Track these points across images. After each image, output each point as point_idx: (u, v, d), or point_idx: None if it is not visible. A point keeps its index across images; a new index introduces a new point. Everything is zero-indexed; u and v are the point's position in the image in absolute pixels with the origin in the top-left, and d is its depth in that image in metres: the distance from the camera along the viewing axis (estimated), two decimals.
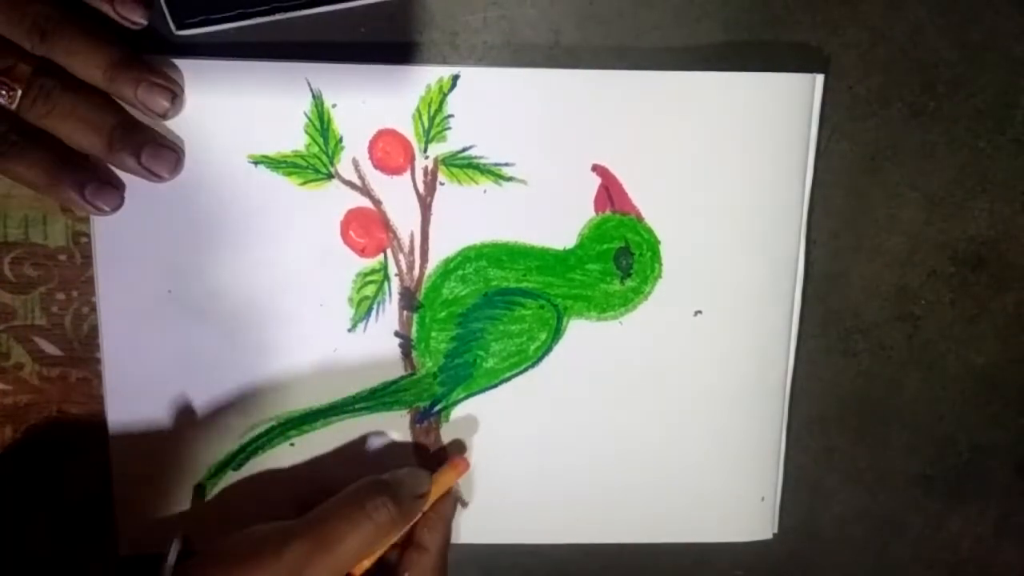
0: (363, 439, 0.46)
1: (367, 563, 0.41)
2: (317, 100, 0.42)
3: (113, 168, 0.41)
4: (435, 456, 0.46)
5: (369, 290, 0.44)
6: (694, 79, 0.43)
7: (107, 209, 0.40)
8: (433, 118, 0.43)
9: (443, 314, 0.45)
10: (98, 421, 0.44)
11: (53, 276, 0.44)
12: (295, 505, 0.42)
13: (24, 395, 0.44)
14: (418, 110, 0.43)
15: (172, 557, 0.39)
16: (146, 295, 0.43)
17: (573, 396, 0.46)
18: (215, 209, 0.43)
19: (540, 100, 0.43)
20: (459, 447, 0.46)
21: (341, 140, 0.43)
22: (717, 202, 0.45)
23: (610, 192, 0.44)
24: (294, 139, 0.42)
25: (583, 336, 0.45)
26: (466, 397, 0.46)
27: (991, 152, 0.47)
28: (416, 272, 0.44)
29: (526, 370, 0.46)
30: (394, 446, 0.46)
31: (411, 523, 0.42)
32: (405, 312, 0.45)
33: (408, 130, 0.43)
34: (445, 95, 0.43)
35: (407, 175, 0.43)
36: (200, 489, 0.45)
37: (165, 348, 0.44)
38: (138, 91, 0.38)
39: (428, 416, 0.46)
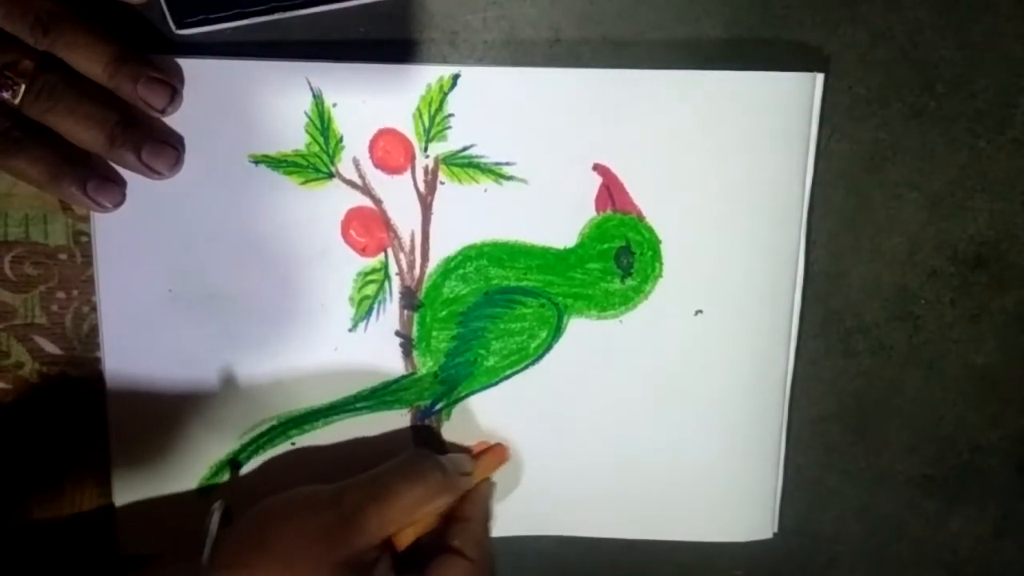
0: (364, 438, 0.46)
1: (411, 534, 0.42)
2: (317, 100, 0.42)
3: (114, 166, 0.41)
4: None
5: (370, 289, 0.44)
6: (694, 78, 0.43)
7: (109, 206, 0.40)
8: (433, 117, 0.43)
9: (444, 313, 0.45)
10: (98, 421, 0.44)
11: (53, 275, 0.43)
12: None
13: (24, 395, 0.44)
14: (418, 109, 0.43)
15: (215, 523, 0.40)
16: (146, 295, 0.43)
17: (573, 395, 0.46)
18: (215, 209, 0.43)
19: (540, 99, 0.43)
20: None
21: (341, 139, 0.43)
22: (717, 202, 0.45)
23: (611, 191, 0.44)
24: (294, 139, 0.43)
25: (583, 335, 0.45)
26: (467, 396, 0.46)
27: (991, 152, 0.47)
28: (417, 271, 0.44)
29: (526, 368, 0.46)
30: (395, 445, 0.46)
31: (455, 496, 0.43)
32: (406, 311, 0.45)
33: (408, 129, 0.43)
34: (445, 94, 0.43)
35: (407, 174, 0.43)
36: (201, 487, 0.45)
37: (165, 348, 0.44)
38: (138, 86, 0.38)
39: (429, 415, 0.46)
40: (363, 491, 0.41)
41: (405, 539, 0.42)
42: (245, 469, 0.46)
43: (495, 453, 0.46)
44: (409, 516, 0.41)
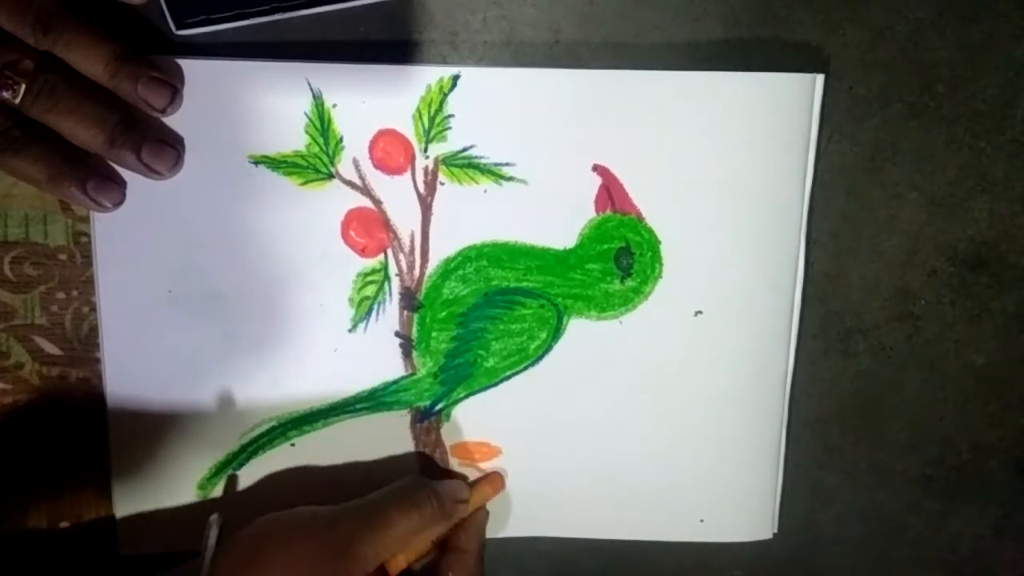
0: (363, 439, 0.46)
1: (403, 561, 0.42)
2: (317, 100, 0.42)
3: (114, 166, 0.41)
4: (436, 455, 0.46)
5: (369, 290, 0.44)
6: (694, 79, 0.43)
7: (109, 205, 0.40)
8: (433, 118, 0.43)
9: (443, 314, 0.45)
10: (98, 421, 0.44)
11: (53, 275, 0.43)
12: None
13: (24, 395, 0.44)
14: (418, 110, 0.43)
15: (212, 539, 0.40)
16: (146, 295, 0.43)
17: (573, 395, 0.46)
18: (215, 209, 0.43)
19: (540, 100, 0.43)
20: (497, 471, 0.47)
21: (341, 140, 0.43)
22: (717, 202, 0.45)
23: (611, 192, 0.44)
24: (294, 139, 0.42)
25: (583, 335, 0.45)
26: (466, 396, 0.46)
27: (991, 152, 0.47)
28: (416, 272, 0.44)
29: (526, 369, 0.46)
30: (394, 446, 0.46)
31: (450, 524, 0.43)
32: (405, 312, 0.45)
33: (408, 130, 0.43)
34: (445, 95, 0.43)
35: (407, 175, 0.43)
36: (201, 488, 0.45)
37: (165, 348, 0.44)
38: (139, 86, 0.38)
39: (428, 416, 0.46)
40: (360, 518, 0.41)
41: (396, 566, 0.42)
42: (245, 469, 0.46)
43: (491, 482, 0.46)
44: (404, 544, 0.41)
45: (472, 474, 0.47)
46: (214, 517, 0.41)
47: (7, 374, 0.44)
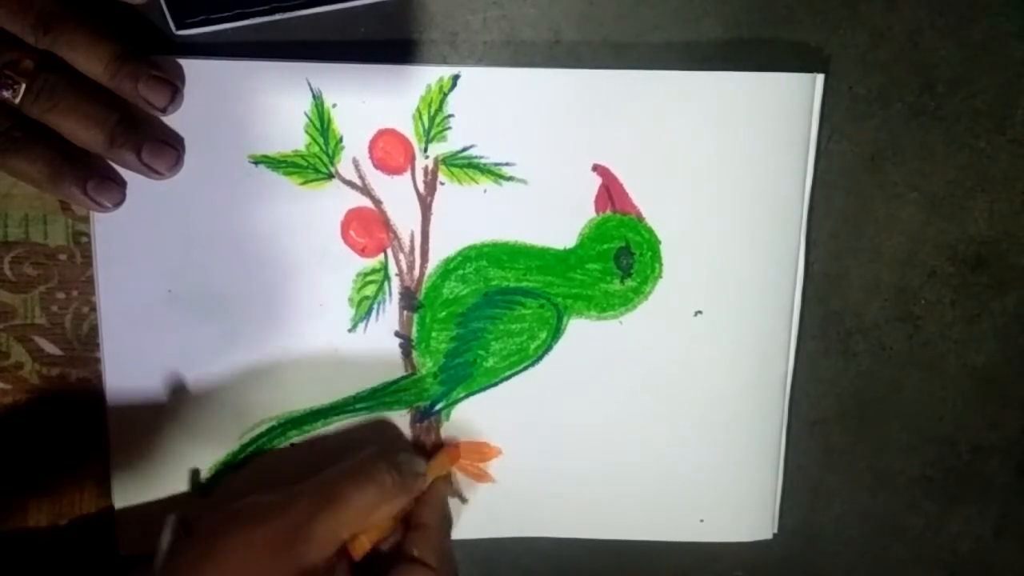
0: (363, 439, 0.46)
1: (367, 542, 0.41)
2: (317, 100, 0.42)
3: (114, 165, 0.41)
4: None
5: (369, 290, 0.44)
6: (694, 79, 0.43)
7: (109, 205, 0.40)
8: (433, 118, 0.43)
9: (443, 314, 0.45)
10: (98, 421, 0.44)
11: (53, 275, 0.43)
12: None
13: (24, 395, 0.44)
14: (418, 110, 0.43)
15: (167, 537, 0.39)
16: (146, 295, 0.43)
17: (573, 395, 0.46)
18: (215, 209, 0.43)
19: (540, 100, 0.43)
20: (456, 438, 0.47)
21: (341, 140, 0.43)
22: (717, 202, 0.45)
23: (611, 192, 0.44)
24: (294, 139, 0.43)
25: (583, 335, 0.45)
26: (466, 396, 0.46)
27: (991, 152, 0.47)
28: (416, 272, 0.44)
29: (526, 369, 0.46)
30: (394, 446, 0.46)
31: (409, 498, 0.42)
32: (405, 312, 0.45)
33: (408, 130, 0.43)
34: (445, 95, 0.43)
35: (407, 175, 0.43)
36: (201, 487, 0.45)
37: (165, 348, 0.44)
38: (139, 85, 0.38)
39: (428, 416, 0.46)
40: (313, 497, 0.39)
41: (360, 547, 0.41)
42: (244, 469, 0.45)
43: (448, 453, 0.46)
44: (362, 521, 0.40)
45: (472, 475, 0.47)
46: (171, 517, 0.40)
47: (7, 374, 0.44)
